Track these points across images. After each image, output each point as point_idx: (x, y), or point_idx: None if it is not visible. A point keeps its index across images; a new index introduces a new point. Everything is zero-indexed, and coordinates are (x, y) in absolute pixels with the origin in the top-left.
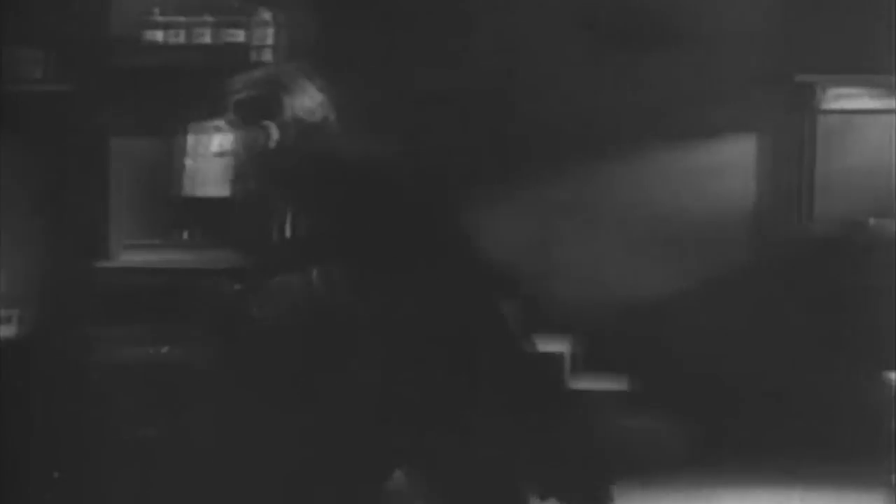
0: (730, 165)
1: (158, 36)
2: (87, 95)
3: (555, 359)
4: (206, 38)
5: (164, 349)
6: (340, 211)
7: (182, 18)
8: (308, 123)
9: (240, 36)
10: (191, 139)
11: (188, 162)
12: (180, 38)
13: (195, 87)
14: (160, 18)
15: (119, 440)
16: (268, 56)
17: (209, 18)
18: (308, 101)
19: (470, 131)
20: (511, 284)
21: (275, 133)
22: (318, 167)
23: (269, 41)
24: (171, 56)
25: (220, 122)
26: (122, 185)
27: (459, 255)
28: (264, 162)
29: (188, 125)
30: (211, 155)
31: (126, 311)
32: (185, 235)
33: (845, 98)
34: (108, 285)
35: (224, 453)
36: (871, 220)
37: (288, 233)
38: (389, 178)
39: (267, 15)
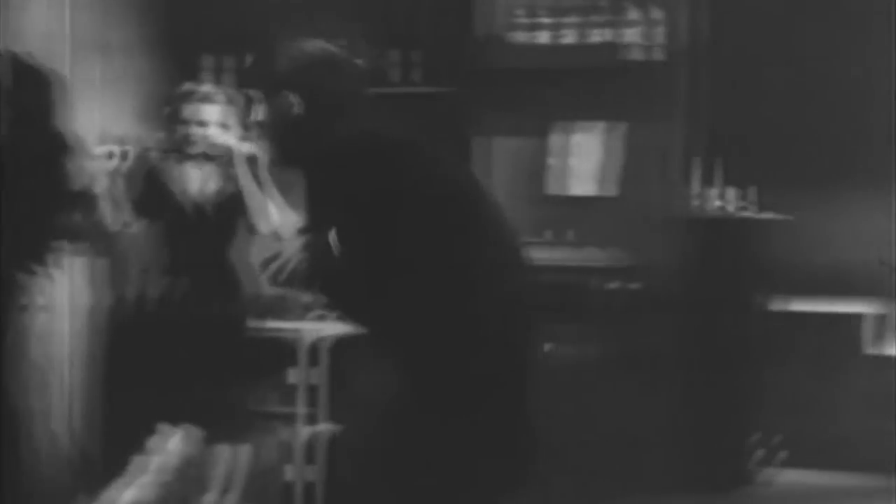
0: None
1: (522, 37)
2: (454, 97)
3: None
4: (572, 39)
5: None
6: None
7: (547, 19)
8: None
9: (606, 35)
10: (555, 138)
11: (552, 161)
12: (545, 38)
13: (560, 88)
14: (525, 20)
15: None
16: (636, 54)
17: (575, 19)
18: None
19: None
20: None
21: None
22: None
23: (637, 39)
24: (536, 57)
25: None
26: (486, 185)
27: (485, 235)
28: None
29: (552, 125)
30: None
31: None
32: (550, 234)
33: None
34: None
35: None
36: None
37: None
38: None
39: (634, 13)
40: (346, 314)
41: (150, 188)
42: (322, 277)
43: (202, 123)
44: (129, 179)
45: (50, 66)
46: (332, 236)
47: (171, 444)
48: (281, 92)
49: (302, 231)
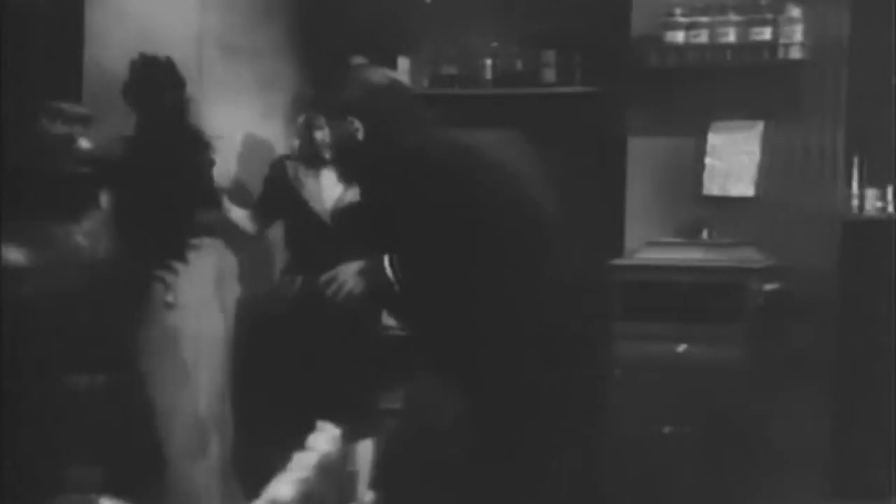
0: None
1: (680, 37)
2: (610, 96)
3: None
4: (731, 38)
5: (681, 347)
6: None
7: (705, 18)
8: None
9: (766, 34)
10: (712, 138)
11: (709, 161)
12: (703, 37)
13: (718, 87)
14: (682, 19)
15: (636, 437)
16: (795, 53)
17: (734, 17)
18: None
19: None
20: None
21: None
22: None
23: (797, 38)
24: (693, 56)
25: None
26: (642, 184)
27: (538, 251)
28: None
29: (709, 124)
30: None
31: (644, 309)
32: (706, 234)
33: None
34: (626, 282)
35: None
36: None
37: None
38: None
39: (795, 11)
40: (412, 333)
41: (283, 193)
42: (378, 299)
43: None
44: (264, 185)
45: (183, 69)
46: (388, 261)
47: (317, 441)
48: (345, 117)
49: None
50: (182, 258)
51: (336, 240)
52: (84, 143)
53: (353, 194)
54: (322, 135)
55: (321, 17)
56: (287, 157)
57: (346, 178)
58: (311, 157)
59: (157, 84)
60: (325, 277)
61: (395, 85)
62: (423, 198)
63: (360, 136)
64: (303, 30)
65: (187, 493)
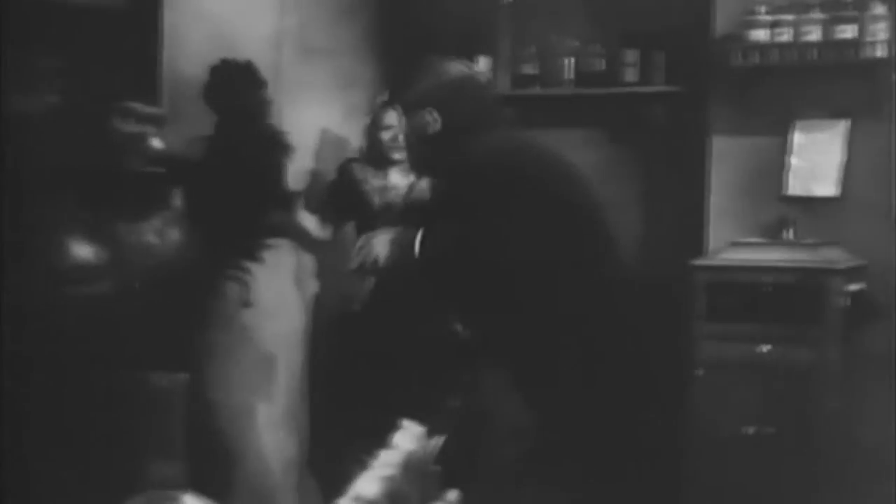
0: None
1: (763, 35)
2: (693, 95)
3: None
4: (814, 36)
5: (764, 348)
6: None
7: (789, 16)
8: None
9: (850, 32)
10: (796, 137)
11: (792, 160)
12: (786, 36)
13: (802, 86)
14: (766, 18)
15: (717, 437)
16: (880, 52)
17: (818, 15)
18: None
19: None
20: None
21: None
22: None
23: (882, 36)
24: (777, 55)
25: None
26: (724, 184)
27: (606, 257)
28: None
29: (793, 123)
30: (817, 153)
31: (727, 309)
32: (789, 234)
33: None
34: (708, 283)
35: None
36: None
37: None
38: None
39: (880, 9)
40: (480, 334)
41: (351, 196)
42: (400, 271)
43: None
44: (331, 187)
45: (262, 72)
46: (419, 237)
47: (402, 439)
48: (421, 108)
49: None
50: (254, 258)
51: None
52: (156, 143)
53: (420, 193)
54: (388, 135)
55: (400, 17)
56: (354, 159)
57: (420, 169)
58: (377, 159)
59: (237, 86)
60: (361, 240)
61: (472, 78)
62: (498, 192)
63: (437, 127)
64: (382, 30)
65: (265, 490)
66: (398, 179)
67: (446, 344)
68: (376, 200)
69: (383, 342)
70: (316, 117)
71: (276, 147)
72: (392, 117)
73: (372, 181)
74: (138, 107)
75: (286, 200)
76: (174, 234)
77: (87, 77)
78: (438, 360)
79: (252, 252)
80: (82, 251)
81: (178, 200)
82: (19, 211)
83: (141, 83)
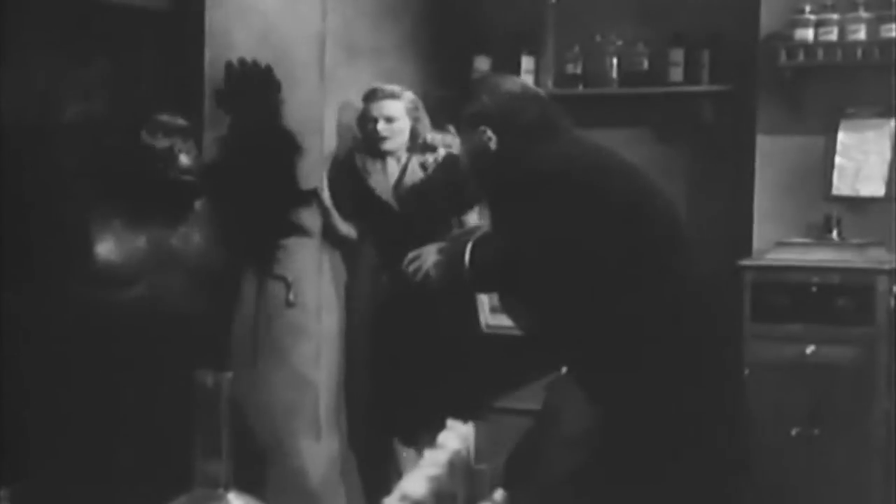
0: None
1: (809, 34)
2: (739, 95)
3: None
4: (861, 35)
5: (811, 348)
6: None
7: (835, 15)
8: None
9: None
10: (842, 137)
11: (839, 160)
12: (832, 35)
13: (848, 85)
14: (812, 17)
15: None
16: None
17: (864, 14)
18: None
19: None
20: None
21: (493, 138)
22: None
23: None
24: (823, 53)
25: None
26: (770, 184)
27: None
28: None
29: (839, 123)
30: (865, 153)
31: (773, 309)
32: (836, 234)
33: None
34: (755, 283)
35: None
36: None
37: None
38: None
39: None
40: (542, 335)
41: (352, 182)
42: (450, 283)
43: (390, 119)
44: (333, 172)
45: (306, 69)
46: (468, 249)
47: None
48: (476, 127)
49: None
50: (268, 258)
51: (404, 225)
52: (184, 160)
53: (412, 176)
54: (373, 126)
55: (444, 17)
56: (355, 148)
57: (479, 189)
58: (371, 149)
59: (251, 88)
60: (411, 255)
61: (527, 92)
62: (558, 207)
63: (493, 146)
64: (426, 29)
65: (309, 489)
66: (393, 168)
67: (474, 344)
68: (374, 188)
69: (404, 340)
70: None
71: (287, 149)
72: (380, 108)
73: (370, 169)
74: (166, 119)
75: (301, 200)
76: (197, 239)
77: (129, 80)
78: (466, 360)
79: (268, 252)
80: (112, 255)
81: (199, 205)
82: (49, 216)
83: (184, 85)
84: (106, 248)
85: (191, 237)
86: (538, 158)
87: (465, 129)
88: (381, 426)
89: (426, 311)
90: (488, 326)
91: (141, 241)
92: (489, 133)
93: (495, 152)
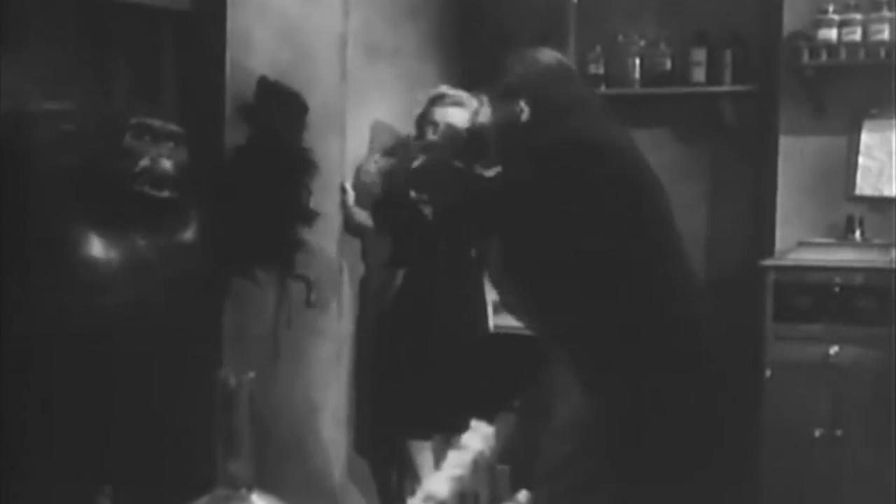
0: None
1: (833, 34)
2: (762, 95)
3: None
4: (885, 35)
5: (833, 349)
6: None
7: (858, 15)
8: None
9: None
10: (865, 137)
11: (862, 160)
12: (856, 35)
13: (871, 85)
14: (835, 16)
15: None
16: None
17: (888, 14)
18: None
19: None
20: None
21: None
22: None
23: None
24: (846, 53)
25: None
26: (793, 184)
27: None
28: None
29: (862, 123)
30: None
31: (796, 310)
32: (858, 234)
33: None
34: (777, 283)
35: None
36: None
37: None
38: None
39: None
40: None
41: (392, 191)
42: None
43: (451, 127)
44: (359, 183)
45: (327, 69)
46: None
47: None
48: (510, 99)
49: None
50: (267, 269)
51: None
52: (165, 164)
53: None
54: (432, 131)
55: (465, 17)
56: (396, 153)
57: (508, 161)
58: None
59: (279, 108)
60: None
61: (562, 66)
62: (588, 181)
63: (525, 117)
64: (447, 30)
65: (329, 488)
66: None
67: (483, 344)
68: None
69: (414, 340)
70: (380, 116)
71: (302, 168)
72: (444, 114)
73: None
74: (156, 123)
75: (305, 218)
76: (186, 246)
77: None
78: (475, 360)
79: (268, 264)
80: (89, 260)
81: (194, 212)
82: (38, 217)
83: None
84: (83, 253)
85: (172, 244)
86: (570, 130)
87: (499, 99)
88: (391, 427)
89: (434, 309)
90: (495, 326)
91: (119, 247)
92: (522, 104)
93: (526, 123)
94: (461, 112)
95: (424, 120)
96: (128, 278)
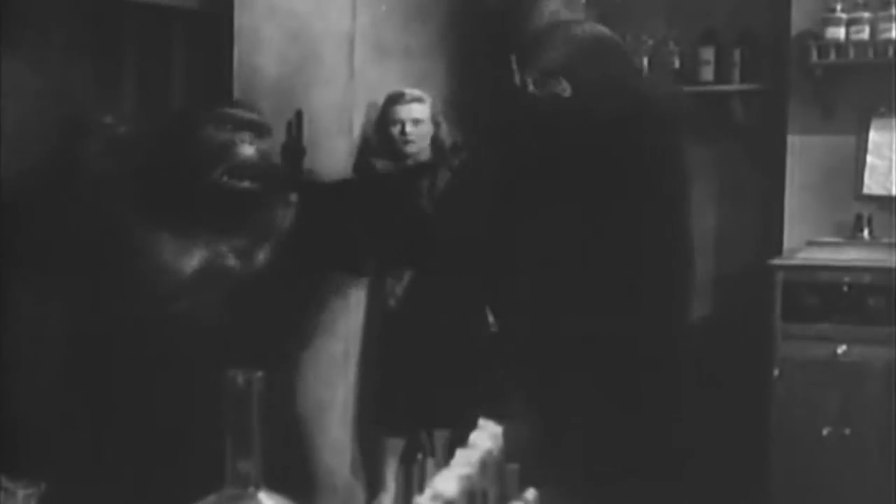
0: None
1: (841, 33)
2: (771, 93)
3: None
4: (893, 34)
5: (842, 348)
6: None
7: (866, 14)
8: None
9: None
10: (873, 136)
11: (870, 159)
12: (864, 33)
13: (880, 83)
14: (843, 15)
15: (794, 438)
16: None
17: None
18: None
19: None
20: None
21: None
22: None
23: None
24: (854, 52)
25: None
26: (801, 183)
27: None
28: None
29: (871, 121)
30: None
31: (804, 309)
32: (867, 233)
33: None
34: (785, 282)
35: None
36: None
37: None
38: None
39: None
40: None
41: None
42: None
43: (416, 122)
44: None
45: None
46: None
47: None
48: (553, 77)
49: None
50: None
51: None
52: (247, 150)
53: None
54: (397, 130)
55: (474, 17)
56: (368, 157)
57: (550, 137)
58: (393, 153)
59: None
60: None
61: (604, 39)
62: (641, 150)
63: (567, 94)
64: (455, 30)
65: (336, 486)
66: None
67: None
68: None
69: (419, 341)
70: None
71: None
72: (409, 111)
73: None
74: (237, 112)
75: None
76: (262, 256)
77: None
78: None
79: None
80: (153, 268)
81: (282, 220)
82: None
83: (218, 83)
84: (146, 260)
85: (254, 255)
86: (614, 108)
87: (541, 77)
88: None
89: (437, 310)
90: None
91: (190, 254)
92: (564, 83)
93: (567, 100)
94: (423, 108)
95: (386, 121)
96: (203, 285)
